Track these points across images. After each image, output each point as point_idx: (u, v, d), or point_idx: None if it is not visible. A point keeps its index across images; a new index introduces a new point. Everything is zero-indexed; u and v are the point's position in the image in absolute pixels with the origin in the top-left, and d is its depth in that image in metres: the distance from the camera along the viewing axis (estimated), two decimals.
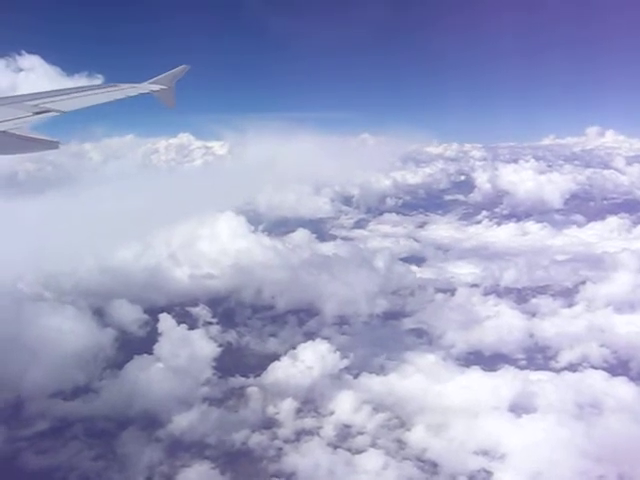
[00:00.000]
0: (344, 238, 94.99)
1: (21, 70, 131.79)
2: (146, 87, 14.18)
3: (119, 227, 57.80)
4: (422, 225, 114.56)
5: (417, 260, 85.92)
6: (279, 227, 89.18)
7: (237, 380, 51.46)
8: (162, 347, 51.75)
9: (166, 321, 54.69)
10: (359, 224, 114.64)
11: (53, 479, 39.80)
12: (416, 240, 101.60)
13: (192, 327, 56.42)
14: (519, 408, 46.97)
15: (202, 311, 61.64)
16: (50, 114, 9.86)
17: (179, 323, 55.30)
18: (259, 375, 51.90)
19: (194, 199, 66.49)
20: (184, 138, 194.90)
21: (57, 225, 54.23)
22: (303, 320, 62.72)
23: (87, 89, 12.54)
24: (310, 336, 58.42)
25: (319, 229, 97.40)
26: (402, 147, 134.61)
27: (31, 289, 50.10)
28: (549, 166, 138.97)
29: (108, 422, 45.10)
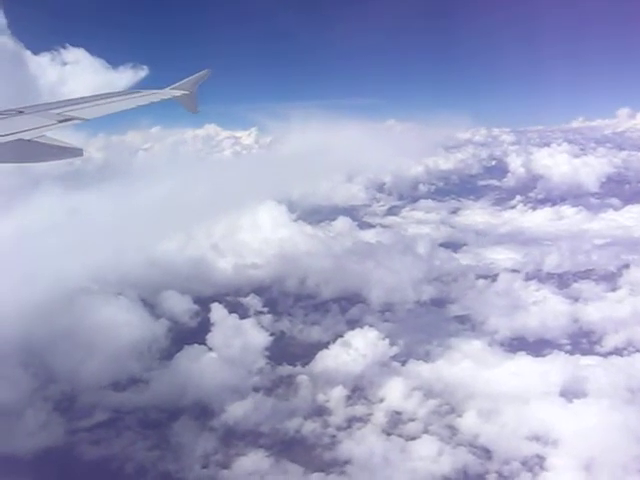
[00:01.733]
0: (378, 225, 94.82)
1: (66, 64, 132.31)
2: (168, 93, 14.37)
3: (161, 219, 58.54)
4: (455, 211, 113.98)
5: (454, 246, 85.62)
6: (313, 215, 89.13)
7: (285, 369, 51.90)
8: (215, 337, 52.47)
9: (218, 311, 55.36)
10: (392, 211, 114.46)
11: (109, 469, 40.19)
12: (451, 226, 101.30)
13: (242, 316, 57.04)
14: (570, 393, 46.81)
15: (252, 300, 62.22)
16: (74, 122, 10.05)
17: (230, 313, 55.86)
18: (307, 363, 52.25)
19: (231, 189, 67.02)
20: (210, 129, 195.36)
21: (99, 219, 55.07)
22: (347, 308, 62.90)
23: (110, 96, 12.74)
24: (355, 324, 58.76)
25: (353, 217, 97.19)
26: (431, 133, 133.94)
27: (81, 282, 50.70)
28: (582, 149, 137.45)
29: (161, 412, 45.79)
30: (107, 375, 47.59)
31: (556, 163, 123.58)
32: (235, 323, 54.65)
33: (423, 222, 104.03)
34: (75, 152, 8.65)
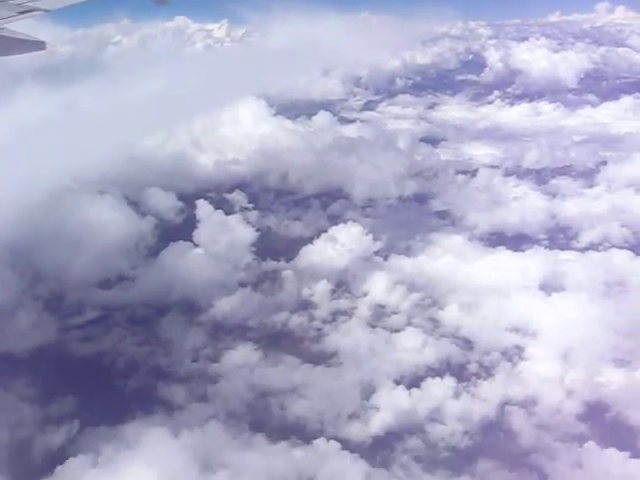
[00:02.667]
0: (357, 120, 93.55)
1: None
2: None
3: (138, 115, 57.00)
4: (432, 106, 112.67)
5: (432, 141, 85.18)
6: (290, 110, 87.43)
7: (270, 264, 52.30)
8: (201, 233, 52.43)
9: (204, 207, 55.05)
10: (369, 106, 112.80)
11: (101, 364, 40.66)
12: (428, 121, 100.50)
13: (228, 213, 56.94)
14: (549, 287, 47.84)
15: (237, 196, 61.95)
16: (35, 13, 9.34)
17: (215, 209, 55.64)
18: (292, 259, 52.69)
19: (207, 85, 65.16)
20: (180, 21, 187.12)
21: (75, 116, 53.44)
22: (329, 204, 62.97)
23: None
24: (336, 219, 59.00)
25: (330, 112, 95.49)
26: (406, 26, 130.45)
27: (64, 181, 49.75)
28: (560, 44, 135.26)
29: (149, 309, 46.20)
30: (95, 273, 47.47)
31: (535, 58, 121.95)
32: (221, 219, 54.57)
33: (401, 117, 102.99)
34: (37, 45, 7.98)
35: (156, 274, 48.37)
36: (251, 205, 61.31)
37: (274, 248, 54.88)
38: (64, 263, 46.39)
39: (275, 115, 77.52)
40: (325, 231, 55.69)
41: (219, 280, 48.30)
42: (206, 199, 57.90)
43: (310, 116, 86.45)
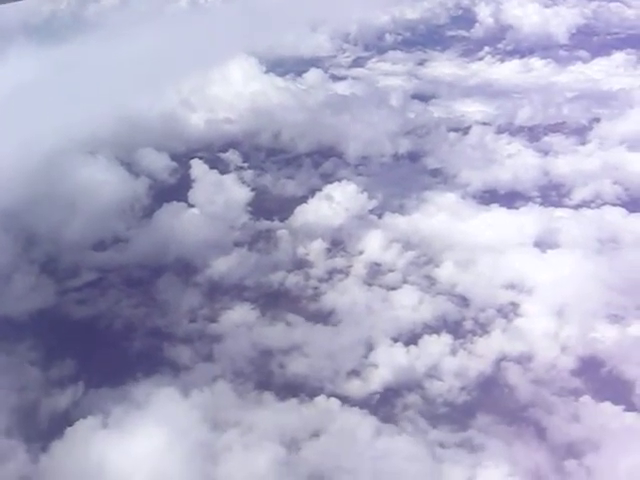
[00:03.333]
0: (349, 78, 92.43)
1: None
2: None
3: (126, 74, 56.16)
4: (422, 62, 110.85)
5: (423, 98, 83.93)
6: (278, 68, 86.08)
7: (263, 224, 52.25)
8: (196, 193, 52.20)
9: (198, 167, 54.70)
10: (358, 62, 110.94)
11: (98, 327, 40.74)
12: (418, 78, 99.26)
13: (222, 172, 56.74)
14: (543, 244, 48.24)
15: (231, 156, 61.53)
16: None
17: (210, 169, 55.33)
18: (286, 218, 52.59)
19: (195, 43, 64.15)
20: None
21: (60, 77, 52.56)
22: (321, 162, 62.51)
23: None
24: (329, 178, 58.83)
25: (319, 68, 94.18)
26: None
27: (54, 142, 49.06)
28: None
29: (145, 270, 46.18)
30: (90, 235, 47.20)
31: (526, 13, 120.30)
32: (216, 179, 54.27)
33: (390, 74, 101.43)
34: None
35: (151, 235, 48.20)
36: (246, 164, 60.81)
37: (268, 207, 54.66)
38: (58, 225, 46.12)
39: (266, 72, 76.52)
40: (319, 190, 55.43)
41: (215, 240, 48.24)
42: (200, 159, 57.48)
43: (299, 73, 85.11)
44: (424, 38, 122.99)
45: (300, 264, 47.68)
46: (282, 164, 62.53)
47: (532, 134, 70.29)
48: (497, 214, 52.96)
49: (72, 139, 50.61)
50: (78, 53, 58.64)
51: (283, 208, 54.15)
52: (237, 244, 48.90)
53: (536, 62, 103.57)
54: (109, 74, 55.67)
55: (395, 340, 39.57)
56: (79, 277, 44.88)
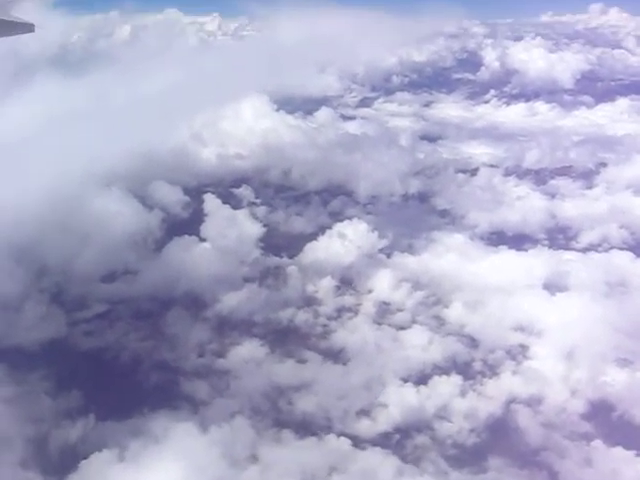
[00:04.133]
0: (358, 117, 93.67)
1: None
2: None
3: (138, 109, 56.77)
4: (429, 104, 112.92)
5: (429, 139, 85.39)
6: (287, 106, 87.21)
7: (273, 260, 52.36)
8: (208, 227, 52.46)
9: (211, 201, 55.11)
10: (364, 102, 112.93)
11: (104, 359, 40.55)
12: (424, 119, 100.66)
13: (235, 207, 57.11)
14: (552, 286, 48.29)
15: (244, 191, 62.05)
16: None
17: (223, 203, 55.77)
18: (295, 255, 52.75)
19: (206, 79, 64.98)
20: (171, 14, 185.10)
21: (75, 111, 53.14)
22: (330, 200, 63.06)
23: None
24: (337, 216, 59.24)
25: (329, 107, 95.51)
26: (401, 23, 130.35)
27: (71, 174, 49.50)
28: (555, 44, 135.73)
29: (156, 303, 46.12)
30: (101, 267, 47.37)
31: (531, 58, 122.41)
32: (229, 213, 54.62)
33: (397, 114, 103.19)
34: (26, 27, 7.83)
35: (161, 268, 48.24)
36: (258, 200, 61.28)
37: (278, 243, 54.88)
38: (71, 256, 46.28)
39: (277, 110, 77.49)
40: (328, 227, 55.81)
41: (225, 275, 48.30)
42: (213, 193, 58.00)
43: (308, 111, 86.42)
44: (430, 80, 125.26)
45: (309, 301, 47.68)
46: (291, 201, 63.06)
47: (539, 177, 71.04)
48: (505, 256, 53.22)
49: (87, 171, 50.93)
50: (91, 87, 59.29)
51: (292, 245, 54.39)
52: (247, 279, 48.94)
53: (541, 106, 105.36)
54: (122, 108, 56.26)
55: (405, 380, 39.35)
56: (89, 308, 44.86)
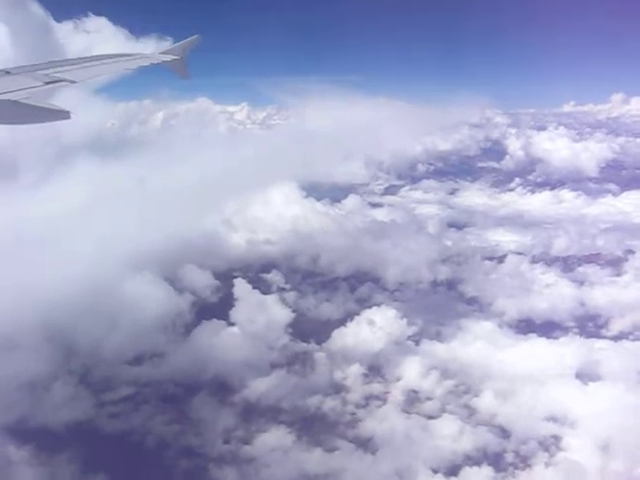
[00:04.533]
0: (386, 205, 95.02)
1: (89, 32, 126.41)
2: (158, 57, 14.04)
3: (170, 195, 58.22)
4: (454, 192, 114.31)
5: (455, 227, 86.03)
6: (312, 193, 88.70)
7: (300, 345, 52.19)
8: (238, 312, 52.77)
9: (241, 286, 55.63)
10: (390, 190, 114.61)
11: (129, 443, 40.26)
12: (449, 207, 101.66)
13: (264, 292, 57.51)
14: (584, 375, 47.55)
15: (274, 277, 62.62)
16: (61, 84, 9.73)
17: (253, 288, 56.26)
18: (323, 341, 52.60)
19: (236, 167, 66.67)
20: (203, 102, 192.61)
21: (108, 197, 54.65)
22: (357, 286, 63.19)
23: (100, 58, 12.40)
24: (364, 303, 59.26)
25: (353, 194, 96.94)
26: (425, 113, 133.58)
27: (103, 258, 50.53)
28: (578, 134, 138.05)
29: (183, 387, 45.93)
30: (130, 349, 47.63)
31: (555, 147, 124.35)
32: (258, 299, 54.99)
33: (423, 202, 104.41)
34: (61, 115, 8.19)
35: (189, 351, 48.38)
36: (288, 286, 61.70)
37: (307, 329, 54.78)
38: (100, 338, 46.64)
39: (306, 197, 78.98)
40: (356, 314, 55.84)
41: (253, 360, 48.19)
42: (243, 278, 58.60)
43: (334, 199, 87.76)
44: (455, 168, 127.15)
45: (337, 388, 47.25)
46: (319, 286, 63.29)
47: (567, 264, 70.81)
48: (535, 344, 52.63)
49: (121, 254, 51.92)
50: (125, 172, 60.90)
51: (321, 331, 54.26)
52: (275, 365, 48.72)
53: (567, 194, 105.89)
54: (155, 193, 57.62)
55: (435, 471, 38.58)
56: (116, 390, 44.79)
